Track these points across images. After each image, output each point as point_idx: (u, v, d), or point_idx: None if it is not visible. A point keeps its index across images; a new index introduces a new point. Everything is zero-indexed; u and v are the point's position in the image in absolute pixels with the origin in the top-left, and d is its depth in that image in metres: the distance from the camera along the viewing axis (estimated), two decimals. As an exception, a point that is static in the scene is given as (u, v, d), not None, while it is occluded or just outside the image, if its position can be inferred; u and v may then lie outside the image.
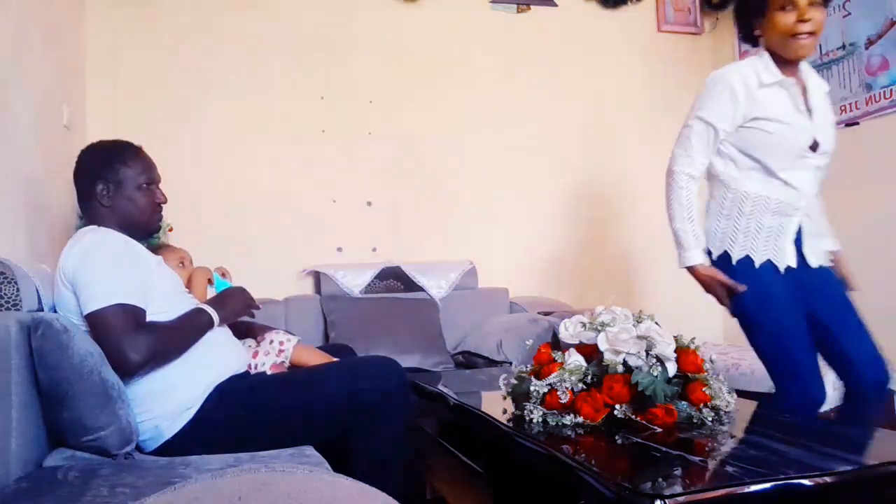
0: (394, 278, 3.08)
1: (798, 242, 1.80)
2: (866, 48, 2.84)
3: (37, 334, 1.33)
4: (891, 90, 2.74)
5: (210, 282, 1.98)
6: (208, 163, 3.02)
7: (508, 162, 3.40)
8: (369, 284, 3.01)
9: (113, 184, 1.65)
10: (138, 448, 1.53)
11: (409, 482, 1.74)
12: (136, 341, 1.44)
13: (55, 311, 1.55)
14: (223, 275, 2.01)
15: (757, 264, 1.77)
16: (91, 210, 1.67)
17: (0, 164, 1.76)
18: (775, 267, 1.76)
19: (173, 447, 1.51)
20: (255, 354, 1.87)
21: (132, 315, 1.47)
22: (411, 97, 3.27)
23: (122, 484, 1.22)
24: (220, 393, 1.55)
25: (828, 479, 1.09)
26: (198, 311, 1.63)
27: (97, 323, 1.45)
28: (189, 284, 1.92)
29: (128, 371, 1.46)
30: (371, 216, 3.24)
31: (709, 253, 1.85)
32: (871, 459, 1.17)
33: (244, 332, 1.96)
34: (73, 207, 2.48)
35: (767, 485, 1.06)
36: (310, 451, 1.49)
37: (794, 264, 1.77)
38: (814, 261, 1.80)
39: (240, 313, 1.76)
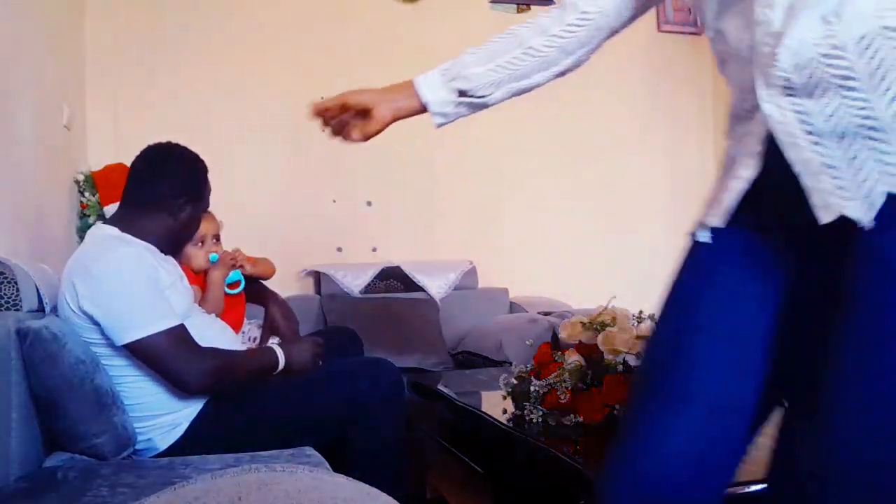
0: (394, 278, 3.08)
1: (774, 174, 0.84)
2: None
3: (26, 344, 1.32)
4: (891, 90, 2.74)
5: (233, 257, 1.96)
6: (208, 163, 3.01)
7: (508, 161, 3.40)
8: (369, 284, 3.01)
9: (194, 202, 1.64)
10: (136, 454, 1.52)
11: (408, 482, 1.74)
12: (197, 365, 1.46)
13: (56, 311, 1.54)
14: (240, 266, 1.98)
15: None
16: (143, 210, 1.60)
17: (0, 164, 1.76)
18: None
19: (169, 456, 1.51)
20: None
21: (181, 338, 1.47)
22: (411, 97, 3.26)
23: (122, 484, 1.22)
24: (213, 404, 1.54)
25: (828, 479, 1.08)
26: (267, 349, 1.63)
27: (146, 350, 1.44)
28: (204, 282, 1.90)
29: (189, 393, 1.49)
30: (371, 216, 3.24)
31: None
32: (871, 459, 1.17)
33: (253, 295, 1.97)
34: (73, 207, 2.48)
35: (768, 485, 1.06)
36: (310, 451, 1.49)
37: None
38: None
39: (306, 366, 1.65)
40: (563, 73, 1.05)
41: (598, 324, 1.54)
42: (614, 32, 1.02)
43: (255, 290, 2.00)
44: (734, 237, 0.81)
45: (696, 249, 0.85)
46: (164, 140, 1.71)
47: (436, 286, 3.08)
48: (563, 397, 1.44)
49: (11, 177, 1.84)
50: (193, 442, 1.50)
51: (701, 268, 0.84)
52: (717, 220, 0.81)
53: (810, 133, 0.70)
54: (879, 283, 0.67)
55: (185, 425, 1.51)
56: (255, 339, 2.04)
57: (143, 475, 1.28)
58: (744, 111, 0.78)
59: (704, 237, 0.83)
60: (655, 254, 3.66)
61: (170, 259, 1.67)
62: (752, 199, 0.77)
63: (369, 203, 3.24)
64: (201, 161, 1.71)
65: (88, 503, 1.13)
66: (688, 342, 0.81)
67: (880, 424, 0.67)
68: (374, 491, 0.64)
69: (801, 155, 0.70)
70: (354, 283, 2.99)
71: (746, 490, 1.06)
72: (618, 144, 3.58)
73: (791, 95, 0.71)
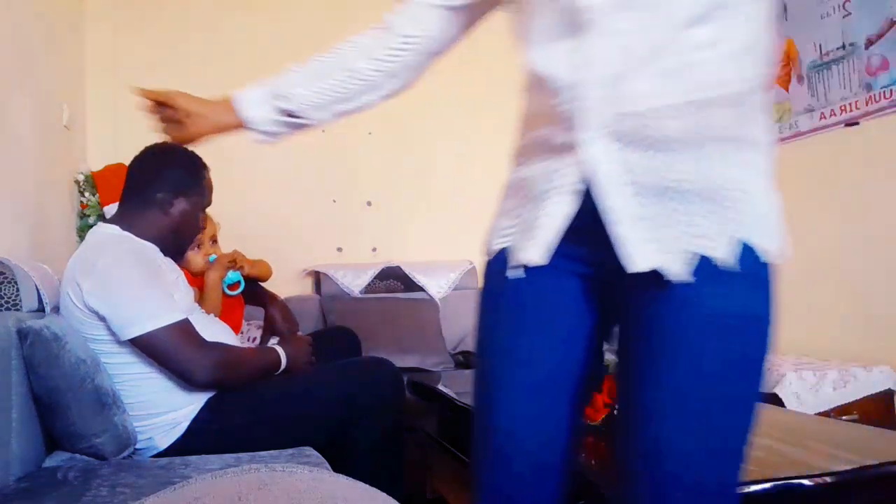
0: (394, 278, 3.08)
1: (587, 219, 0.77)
2: (866, 48, 2.83)
3: (26, 344, 1.32)
4: (891, 90, 2.74)
5: (231, 258, 1.96)
6: (208, 163, 3.02)
7: (508, 162, 3.40)
8: (369, 284, 3.01)
9: (184, 196, 1.63)
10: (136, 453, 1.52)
11: (408, 482, 1.74)
12: (205, 357, 1.47)
13: (58, 310, 1.54)
14: (240, 267, 1.98)
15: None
16: (138, 208, 1.61)
17: (0, 164, 1.75)
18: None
19: (169, 455, 1.50)
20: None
21: (187, 331, 1.47)
22: (411, 97, 3.24)
23: (122, 484, 1.22)
24: (214, 403, 1.54)
25: (828, 479, 1.09)
26: (269, 350, 1.64)
27: (153, 344, 1.44)
28: (202, 285, 1.90)
29: (195, 385, 1.49)
30: (371, 216, 3.24)
31: None
32: (870, 459, 1.17)
33: (251, 296, 1.97)
34: (73, 207, 2.48)
35: (767, 485, 1.06)
36: (310, 451, 1.49)
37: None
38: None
39: (300, 367, 1.67)
40: (390, 96, 1.02)
41: (598, 324, 1.53)
42: (441, 54, 0.99)
43: (254, 291, 2.01)
44: (550, 273, 0.79)
45: (505, 283, 0.82)
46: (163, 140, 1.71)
47: (436, 286, 3.08)
48: (563, 397, 1.44)
49: (11, 177, 1.84)
50: (194, 441, 1.50)
51: (518, 304, 0.83)
52: (539, 257, 0.78)
53: (634, 182, 0.71)
54: (690, 330, 0.71)
55: (186, 424, 1.51)
56: (254, 339, 2.04)
57: (143, 475, 1.28)
58: (557, 144, 0.76)
59: (517, 273, 0.80)
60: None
61: (169, 260, 1.67)
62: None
63: (369, 203, 3.24)
64: (197, 158, 1.70)
65: (88, 503, 1.13)
66: (509, 392, 0.85)
67: (700, 456, 0.71)
68: (374, 491, 0.64)
69: (618, 203, 0.71)
70: (354, 283, 2.99)
71: (746, 490, 1.05)
72: (618, 144, 3.57)
73: (617, 142, 0.71)
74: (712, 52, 0.69)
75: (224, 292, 1.92)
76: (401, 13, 0.93)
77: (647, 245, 0.70)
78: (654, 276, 0.71)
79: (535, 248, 0.78)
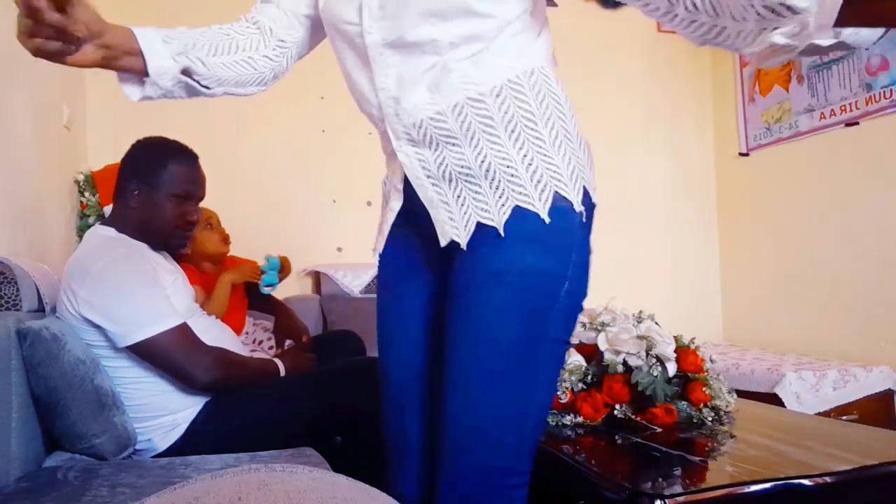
0: (394, 278, 3.08)
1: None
2: (866, 48, 2.84)
3: (26, 344, 1.31)
4: (891, 90, 2.74)
5: (255, 271, 1.96)
6: (208, 163, 3.01)
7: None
8: (369, 284, 3.01)
9: (147, 186, 1.55)
10: (136, 454, 1.52)
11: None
12: (204, 359, 1.47)
13: (56, 311, 1.54)
14: (283, 269, 1.97)
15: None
16: (119, 206, 1.60)
17: (0, 164, 1.75)
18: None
19: (169, 456, 1.50)
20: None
21: (185, 335, 1.46)
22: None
23: (122, 484, 1.22)
24: (212, 405, 1.54)
25: (828, 479, 1.09)
26: (268, 360, 1.64)
27: (151, 350, 1.43)
28: (205, 285, 1.89)
29: (195, 388, 1.49)
30: (371, 216, 3.22)
31: None
32: (870, 459, 1.17)
33: (259, 303, 1.96)
34: (73, 207, 2.48)
35: (767, 485, 1.06)
36: (310, 451, 1.49)
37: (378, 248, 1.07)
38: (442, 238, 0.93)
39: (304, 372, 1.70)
40: (256, 93, 1.10)
41: (598, 324, 1.54)
42: (301, 57, 1.11)
43: (262, 297, 2.00)
44: (397, 251, 1.03)
45: (379, 266, 1.07)
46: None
47: (436, 286, 3.08)
48: (563, 397, 1.44)
49: (11, 177, 1.84)
50: (193, 442, 1.49)
51: (382, 279, 1.08)
52: (380, 247, 1.04)
53: (429, 176, 0.91)
54: (474, 284, 0.88)
55: (185, 426, 1.51)
56: (260, 342, 2.04)
57: (143, 475, 1.28)
58: (389, 152, 0.97)
59: (377, 257, 1.05)
60: (655, 253, 3.66)
61: (168, 258, 1.67)
62: (406, 220, 0.98)
63: (369, 203, 3.24)
64: (162, 143, 1.61)
65: (88, 503, 1.13)
66: (383, 349, 1.08)
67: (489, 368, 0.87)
68: (374, 491, 0.64)
69: (426, 193, 0.91)
70: (354, 283, 2.99)
71: (746, 490, 1.06)
72: (618, 144, 3.58)
73: (414, 145, 0.91)
74: (467, 61, 0.86)
75: (259, 291, 1.92)
76: (272, 18, 1.05)
77: (449, 223, 0.89)
78: (456, 244, 0.89)
79: (380, 238, 1.04)
